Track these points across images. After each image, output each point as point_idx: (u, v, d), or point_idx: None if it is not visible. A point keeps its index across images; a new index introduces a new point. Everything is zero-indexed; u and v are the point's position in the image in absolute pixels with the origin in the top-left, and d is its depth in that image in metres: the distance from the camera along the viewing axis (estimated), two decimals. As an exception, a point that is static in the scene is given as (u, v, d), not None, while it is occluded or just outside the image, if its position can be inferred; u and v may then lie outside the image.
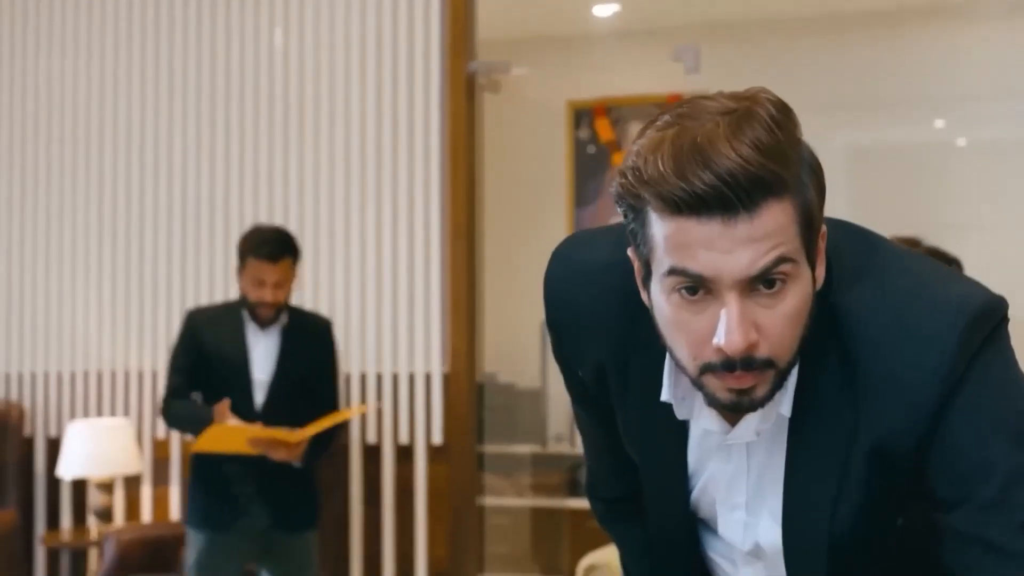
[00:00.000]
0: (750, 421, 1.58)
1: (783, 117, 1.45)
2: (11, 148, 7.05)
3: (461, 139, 6.28)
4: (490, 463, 8.06)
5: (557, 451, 8.69)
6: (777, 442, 1.61)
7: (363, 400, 6.32)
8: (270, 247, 4.96)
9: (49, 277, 6.94)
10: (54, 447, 6.80)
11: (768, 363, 1.48)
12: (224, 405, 4.85)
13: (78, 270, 6.88)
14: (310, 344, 5.15)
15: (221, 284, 6.51)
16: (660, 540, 1.81)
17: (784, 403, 1.57)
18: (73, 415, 6.84)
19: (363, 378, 6.34)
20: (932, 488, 1.52)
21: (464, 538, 6.23)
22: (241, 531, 4.98)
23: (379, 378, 6.32)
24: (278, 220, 6.48)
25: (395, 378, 6.30)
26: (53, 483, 6.88)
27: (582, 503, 7.86)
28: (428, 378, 6.27)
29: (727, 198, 1.39)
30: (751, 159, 1.39)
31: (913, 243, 4.20)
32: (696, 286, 1.45)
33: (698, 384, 1.51)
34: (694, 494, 1.71)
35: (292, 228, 6.48)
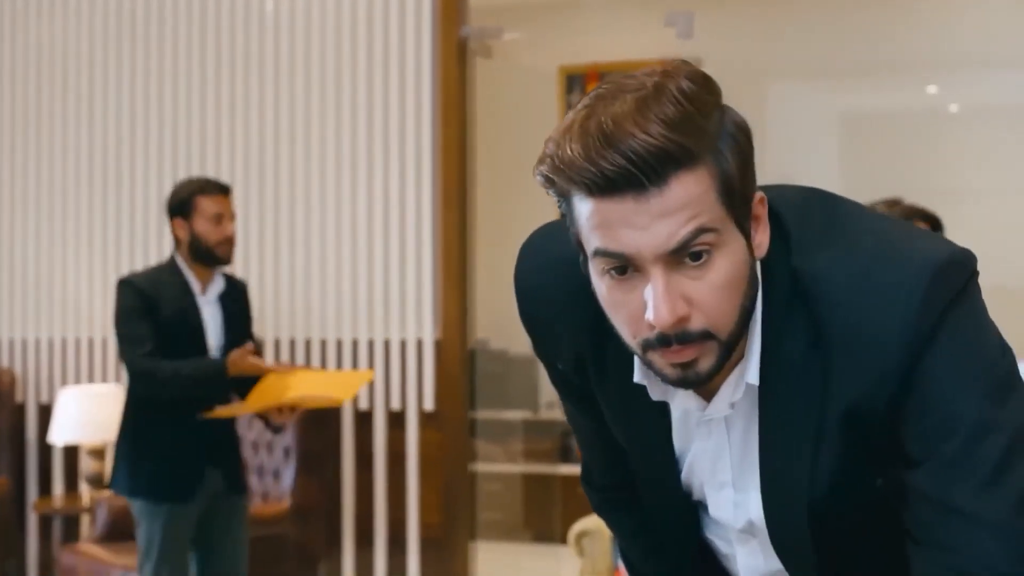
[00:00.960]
0: (723, 395, 1.58)
1: (697, 88, 1.43)
2: (0, 115, 7.03)
3: (453, 104, 6.26)
4: (482, 429, 8.08)
5: (549, 417, 8.72)
6: (753, 414, 1.61)
7: (355, 367, 6.32)
8: (217, 184, 4.92)
9: (40, 243, 6.93)
10: (46, 413, 6.80)
11: (706, 334, 1.47)
12: (244, 350, 4.73)
13: (69, 236, 6.87)
14: (242, 308, 5.07)
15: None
16: (657, 524, 1.81)
17: (750, 372, 1.56)
18: (65, 381, 6.84)
19: (355, 344, 6.34)
20: (902, 446, 1.51)
21: (456, 504, 6.24)
22: (197, 499, 4.86)
23: (371, 344, 6.32)
24: (269, 185, 6.47)
25: (387, 344, 6.31)
26: (45, 449, 6.89)
27: (574, 469, 7.88)
28: (420, 344, 6.27)
29: (634, 176, 1.39)
30: (655, 134, 1.39)
31: (894, 203, 4.20)
32: (623, 265, 1.45)
33: (646, 362, 1.51)
34: (683, 475, 1.71)
35: (283, 194, 6.47)
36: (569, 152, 1.42)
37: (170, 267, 4.93)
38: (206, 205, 4.84)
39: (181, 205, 4.86)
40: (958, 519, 1.46)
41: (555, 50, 8.20)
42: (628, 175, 1.39)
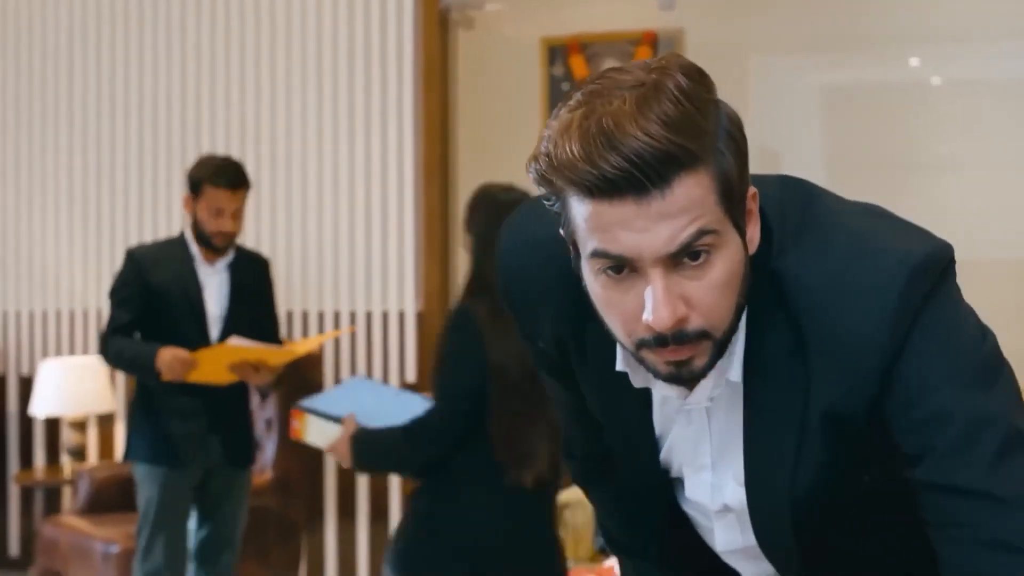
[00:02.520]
0: (703, 387, 1.57)
1: (694, 85, 1.42)
2: (-20, 84, 7.01)
3: (434, 76, 6.25)
4: (464, 401, 8.07)
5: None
6: (734, 406, 1.60)
7: (336, 340, 6.32)
8: (229, 176, 4.88)
9: (20, 215, 6.91)
10: (27, 386, 6.78)
11: (702, 334, 1.47)
12: (176, 354, 4.74)
13: (48, 208, 6.85)
14: (255, 280, 5.10)
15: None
16: (630, 498, 1.82)
17: (732, 370, 1.56)
18: (46, 353, 6.83)
19: (336, 316, 6.34)
20: (899, 446, 1.51)
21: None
22: (195, 467, 4.91)
23: (352, 316, 6.32)
24: (250, 158, 6.45)
25: (368, 316, 6.30)
26: (26, 422, 6.88)
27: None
28: (402, 316, 6.27)
29: (636, 179, 1.38)
30: (658, 136, 1.37)
31: None
32: (620, 265, 1.44)
33: (638, 358, 1.51)
34: (662, 455, 1.71)
35: (264, 166, 6.45)
36: (568, 152, 1.39)
37: (179, 239, 5.01)
38: (210, 195, 4.85)
39: (193, 184, 4.90)
40: (974, 500, 1.46)
41: (537, 21, 8.17)
42: (630, 177, 1.38)
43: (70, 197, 6.81)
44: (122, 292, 4.92)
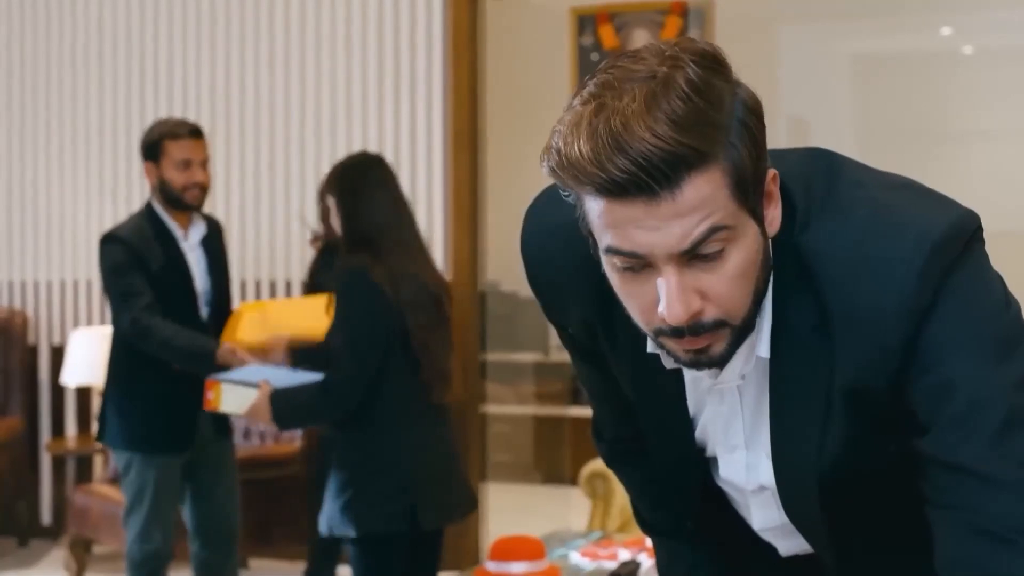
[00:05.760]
0: (734, 365, 1.57)
1: (708, 74, 1.40)
2: (10, 56, 7.02)
3: (463, 46, 6.24)
4: (493, 371, 8.10)
5: (560, 359, 8.72)
6: (764, 383, 1.60)
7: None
8: (188, 125, 4.75)
9: (51, 185, 6.94)
10: (58, 355, 6.82)
11: (719, 323, 1.47)
12: (233, 349, 4.57)
13: (80, 177, 6.87)
14: (221, 249, 4.94)
15: (222, 192, 6.49)
16: (664, 478, 1.82)
17: (761, 345, 1.56)
18: (76, 323, 6.86)
19: (366, 286, 6.34)
20: (912, 414, 1.50)
21: (467, 446, 6.26)
22: (190, 447, 4.78)
23: (382, 286, 6.32)
24: (280, 129, 6.47)
25: (398, 286, 6.30)
26: (57, 390, 6.92)
27: (584, 411, 7.90)
28: (431, 286, 6.26)
29: (644, 182, 1.37)
30: (666, 137, 1.36)
31: None
32: (635, 261, 1.44)
33: (658, 344, 1.52)
34: (696, 433, 1.71)
35: (294, 137, 6.46)
36: (577, 152, 1.39)
37: (148, 214, 4.77)
38: (173, 150, 4.68)
39: (150, 148, 4.72)
40: (971, 479, 1.45)
41: (567, -9, 8.14)
42: (638, 180, 1.37)
43: (100, 166, 6.83)
44: (125, 270, 4.67)
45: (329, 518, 3.96)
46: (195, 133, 4.75)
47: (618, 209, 1.41)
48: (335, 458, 4.02)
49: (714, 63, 1.42)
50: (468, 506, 4.22)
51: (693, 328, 1.46)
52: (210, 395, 4.22)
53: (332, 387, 3.91)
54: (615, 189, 1.39)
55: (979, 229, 1.52)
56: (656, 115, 1.36)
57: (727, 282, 1.45)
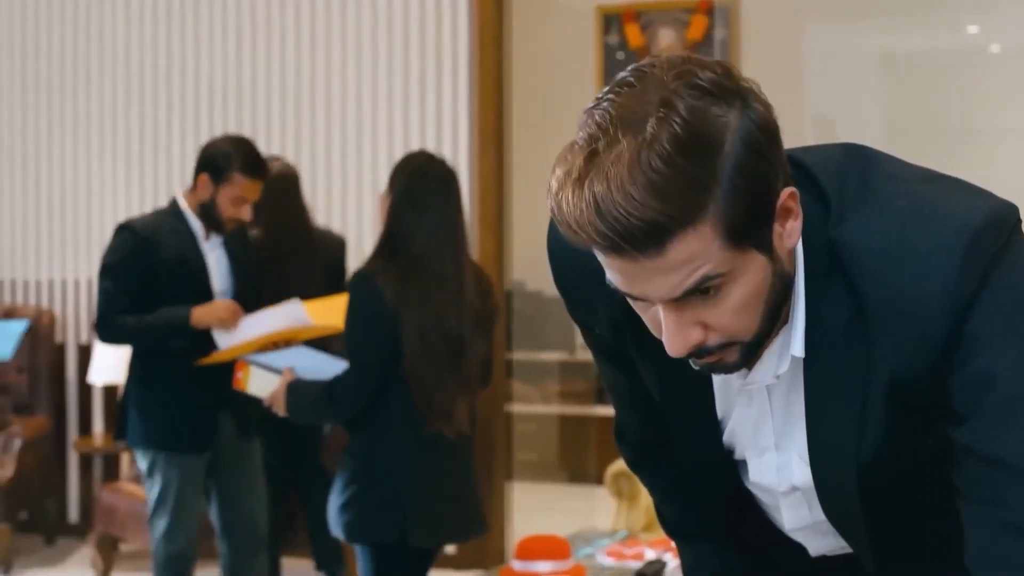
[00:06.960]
0: (767, 364, 1.56)
1: (702, 115, 1.37)
2: (37, 55, 7.05)
3: (489, 44, 6.24)
4: (518, 370, 8.10)
5: (585, 358, 8.72)
6: (796, 382, 1.59)
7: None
8: (260, 166, 4.67)
9: (78, 184, 6.96)
10: (85, 354, 6.85)
11: (725, 345, 1.48)
12: (215, 306, 4.58)
13: (108, 177, 6.90)
14: (245, 251, 4.89)
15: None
16: (691, 481, 1.81)
17: (795, 344, 1.54)
18: (104, 322, 6.88)
19: (391, 285, 6.34)
20: (949, 404, 1.49)
21: (492, 445, 6.27)
22: (211, 446, 4.77)
23: (407, 285, 6.32)
24: (306, 129, 6.48)
25: (423, 285, 6.31)
26: (85, 389, 6.94)
27: (610, 410, 7.89)
28: (456, 285, 6.27)
29: (624, 248, 1.37)
30: (646, 206, 1.34)
31: None
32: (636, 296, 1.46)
33: None
34: (725, 436, 1.70)
35: (320, 132, 6.47)
36: (567, 207, 1.39)
37: (172, 211, 4.74)
38: (239, 185, 4.60)
39: (216, 168, 4.62)
40: (1004, 473, 1.44)
41: (592, -11, 8.14)
42: (618, 246, 1.37)
43: (127, 166, 6.85)
44: (120, 271, 4.65)
45: (329, 517, 3.96)
46: (263, 175, 4.68)
47: (609, 260, 1.42)
48: (340, 458, 4.00)
49: (718, 89, 1.39)
50: (471, 529, 4.10)
51: (697, 353, 1.47)
52: (239, 374, 4.16)
53: (335, 391, 3.85)
54: (600, 248, 1.40)
55: (1020, 221, 1.51)
56: (637, 179, 1.34)
57: (729, 313, 1.45)
